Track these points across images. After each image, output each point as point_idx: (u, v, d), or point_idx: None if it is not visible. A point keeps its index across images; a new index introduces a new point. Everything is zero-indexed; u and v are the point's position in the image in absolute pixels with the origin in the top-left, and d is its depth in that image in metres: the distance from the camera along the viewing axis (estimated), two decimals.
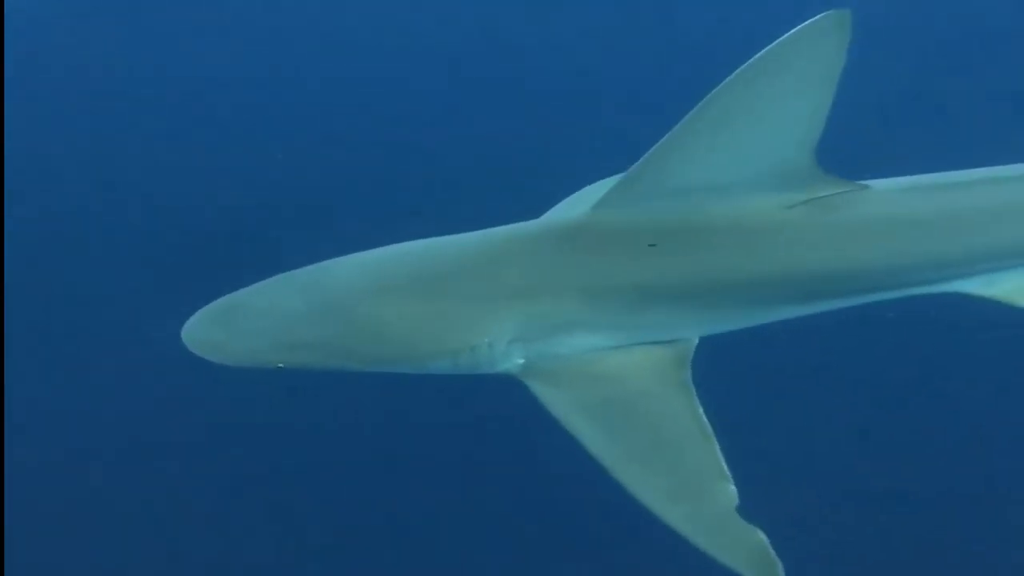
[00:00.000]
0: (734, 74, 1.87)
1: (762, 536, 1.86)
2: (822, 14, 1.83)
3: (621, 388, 2.07)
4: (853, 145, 2.58)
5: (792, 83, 1.89)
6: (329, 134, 3.90)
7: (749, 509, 1.91)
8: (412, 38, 4.31)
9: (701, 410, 2.04)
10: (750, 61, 1.87)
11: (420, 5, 4.48)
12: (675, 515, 1.90)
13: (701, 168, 1.97)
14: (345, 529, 2.86)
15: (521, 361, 2.09)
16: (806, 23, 1.84)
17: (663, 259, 2.03)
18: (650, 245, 2.01)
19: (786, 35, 1.85)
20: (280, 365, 2.07)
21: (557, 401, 2.06)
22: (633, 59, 4.14)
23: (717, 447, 1.98)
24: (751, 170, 1.98)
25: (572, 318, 2.05)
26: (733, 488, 1.92)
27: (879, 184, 2.11)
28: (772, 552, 1.84)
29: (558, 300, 2.05)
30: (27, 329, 3.17)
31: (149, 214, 3.62)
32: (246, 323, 2.08)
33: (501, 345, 2.05)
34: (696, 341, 2.15)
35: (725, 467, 1.95)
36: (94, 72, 4.21)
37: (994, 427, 2.91)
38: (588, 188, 2.37)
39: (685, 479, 1.96)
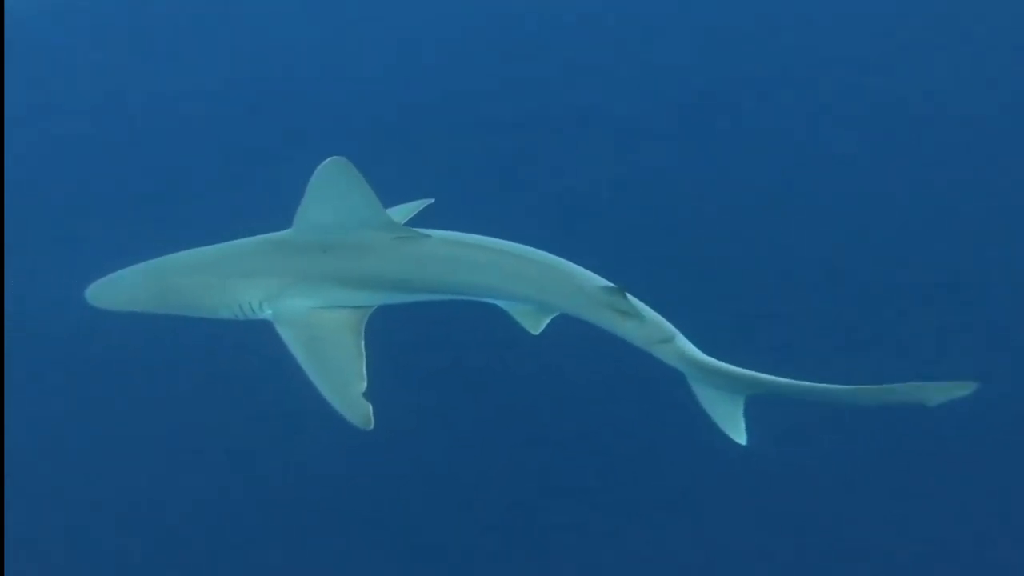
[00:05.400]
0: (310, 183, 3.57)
1: (370, 408, 3.43)
2: (328, 159, 3.52)
3: (322, 330, 3.65)
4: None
5: (339, 189, 3.56)
6: None
7: None
8: None
9: (363, 344, 3.61)
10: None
11: None
12: (332, 397, 3.47)
13: (336, 215, 3.62)
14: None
15: (271, 312, 3.69)
16: (316, 172, 3.54)
17: (331, 261, 3.66)
18: (323, 253, 3.65)
19: (314, 172, 3.54)
20: (138, 311, 3.75)
21: (287, 336, 3.64)
22: None
23: (364, 363, 3.54)
24: (367, 218, 3.62)
25: (288, 291, 3.66)
26: (365, 384, 3.48)
27: (434, 234, 3.71)
28: (372, 416, 3.41)
29: (283, 280, 3.66)
30: None
31: None
32: (119, 285, 3.76)
33: (256, 303, 3.66)
34: (373, 307, 3.75)
35: (364, 371, 3.53)
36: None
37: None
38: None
39: (344, 379, 3.52)
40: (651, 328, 3.58)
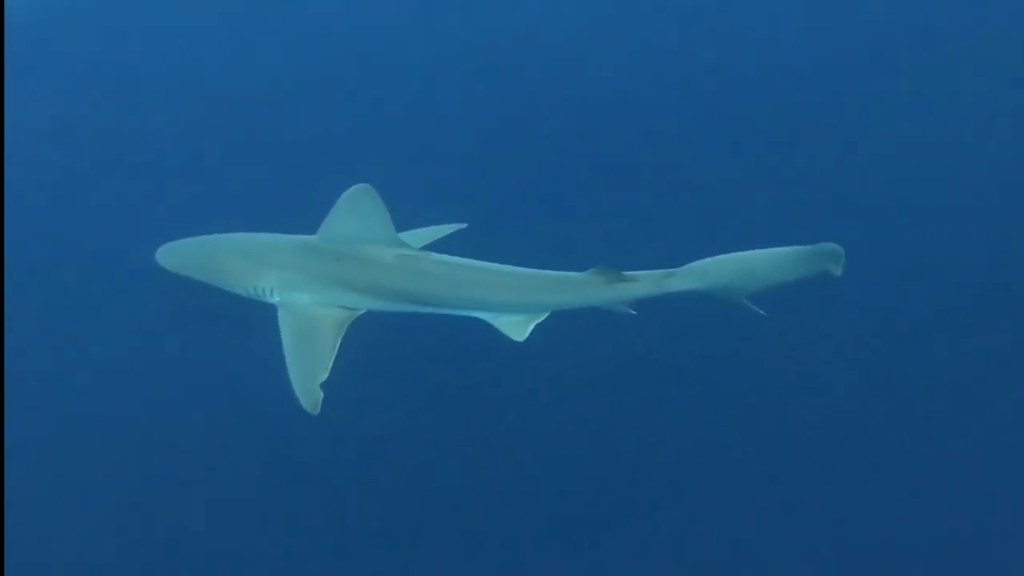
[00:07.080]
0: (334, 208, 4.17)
1: (321, 396, 3.94)
2: (353, 187, 4.08)
3: (313, 322, 4.22)
4: None
5: (361, 210, 4.11)
6: None
7: None
8: None
9: (339, 341, 4.13)
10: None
11: None
12: (297, 383, 4.02)
13: (355, 230, 4.17)
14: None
15: (278, 299, 4.29)
16: (345, 193, 4.11)
17: (341, 267, 4.21)
18: (336, 260, 4.20)
19: (343, 194, 4.11)
20: (187, 275, 4.51)
21: (283, 321, 4.23)
22: None
23: (333, 358, 4.06)
24: (380, 237, 4.16)
25: (297, 285, 4.26)
26: (326, 375, 4.01)
27: (432, 255, 4.21)
28: (320, 404, 3.92)
29: (299, 276, 4.26)
30: None
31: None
32: (178, 252, 4.54)
33: (267, 289, 4.29)
34: (361, 311, 4.24)
35: (330, 366, 4.04)
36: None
37: None
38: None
39: (312, 367, 4.06)
40: (650, 276, 4.08)
